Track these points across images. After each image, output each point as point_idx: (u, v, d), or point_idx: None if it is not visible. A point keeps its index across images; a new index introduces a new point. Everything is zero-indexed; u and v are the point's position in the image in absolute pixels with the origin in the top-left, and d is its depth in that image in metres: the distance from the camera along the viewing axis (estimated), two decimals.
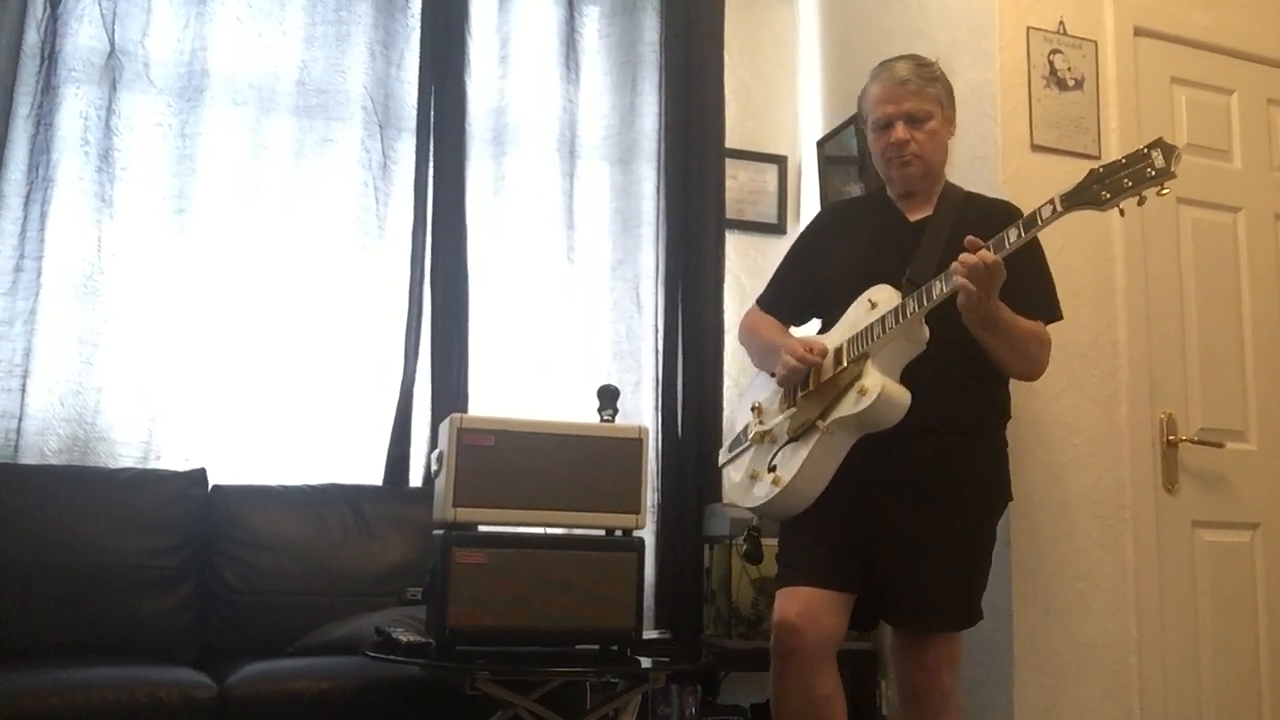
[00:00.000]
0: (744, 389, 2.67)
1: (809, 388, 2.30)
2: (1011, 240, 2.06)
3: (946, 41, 3.15)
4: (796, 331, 2.58)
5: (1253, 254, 3.20)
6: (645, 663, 2.50)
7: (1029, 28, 2.97)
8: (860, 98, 2.49)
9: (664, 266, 3.66)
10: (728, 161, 3.80)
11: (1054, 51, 2.98)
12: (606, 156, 3.74)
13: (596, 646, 2.49)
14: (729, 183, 3.80)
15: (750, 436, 2.43)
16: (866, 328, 2.22)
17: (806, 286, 2.53)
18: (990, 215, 2.14)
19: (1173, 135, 3.14)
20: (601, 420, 2.67)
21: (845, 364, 2.23)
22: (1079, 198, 2.01)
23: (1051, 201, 2.04)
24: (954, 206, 2.38)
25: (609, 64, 3.77)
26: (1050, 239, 2.88)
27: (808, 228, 2.66)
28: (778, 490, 2.25)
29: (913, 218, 2.42)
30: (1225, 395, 3.09)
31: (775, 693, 2.25)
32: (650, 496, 3.30)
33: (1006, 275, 2.08)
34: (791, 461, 2.26)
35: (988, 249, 2.06)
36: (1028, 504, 2.79)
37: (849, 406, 2.18)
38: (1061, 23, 3.00)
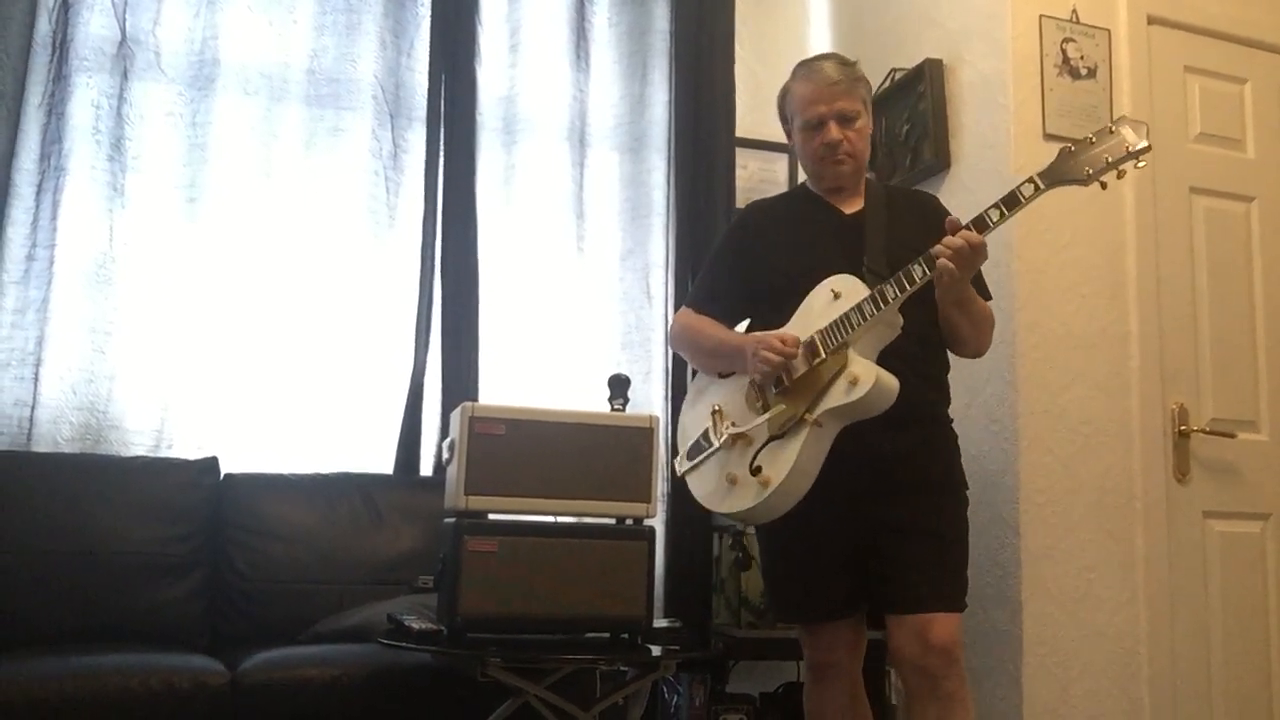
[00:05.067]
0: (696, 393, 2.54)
1: (785, 384, 2.26)
2: (994, 220, 2.09)
3: (958, 30, 3.14)
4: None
5: (1266, 244, 3.19)
6: (655, 651, 2.50)
7: (1041, 16, 2.96)
8: (783, 97, 2.48)
9: (674, 256, 3.65)
10: (738, 151, 3.78)
11: (1067, 40, 2.97)
12: (616, 146, 3.73)
13: (607, 634, 2.49)
14: (739, 172, 3.79)
15: (720, 440, 2.36)
16: (841, 318, 2.19)
17: (741, 287, 2.49)
18: (920, 205, 2.15)
19: (1186, 124, 3.14)
20: (612, 409, 2.67)
21: (825, 355, 2.20)
22: (1061, 175, 2.04)
23: (1032, 180, 2.05)
24: (881, 198, 2.42)
25: (619, 53, 3.76)
26: (1058, 232, 2.90)
27: (731, 228, 2.63)
28: (768, 492, 2.20)
29: (847, 211, 2.43)
30: (1237, 385, 3.08)
31: (810, 697, 2.50)
32: (661, 485, 3.30)
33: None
34: (779, 460, 2.21)
35: (969, 229, 2.08)
36: (1038, 494, 2.79)
37: (839, 396, 2.15)
38: (1074, 11, 2.99)
